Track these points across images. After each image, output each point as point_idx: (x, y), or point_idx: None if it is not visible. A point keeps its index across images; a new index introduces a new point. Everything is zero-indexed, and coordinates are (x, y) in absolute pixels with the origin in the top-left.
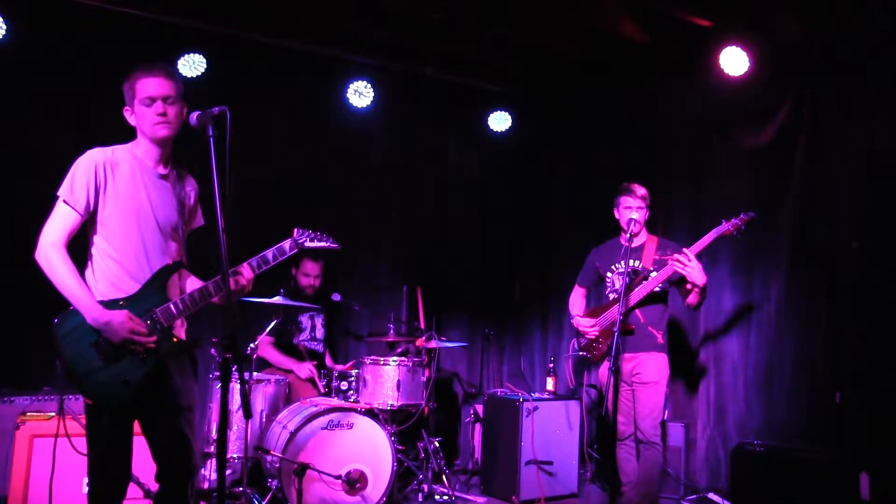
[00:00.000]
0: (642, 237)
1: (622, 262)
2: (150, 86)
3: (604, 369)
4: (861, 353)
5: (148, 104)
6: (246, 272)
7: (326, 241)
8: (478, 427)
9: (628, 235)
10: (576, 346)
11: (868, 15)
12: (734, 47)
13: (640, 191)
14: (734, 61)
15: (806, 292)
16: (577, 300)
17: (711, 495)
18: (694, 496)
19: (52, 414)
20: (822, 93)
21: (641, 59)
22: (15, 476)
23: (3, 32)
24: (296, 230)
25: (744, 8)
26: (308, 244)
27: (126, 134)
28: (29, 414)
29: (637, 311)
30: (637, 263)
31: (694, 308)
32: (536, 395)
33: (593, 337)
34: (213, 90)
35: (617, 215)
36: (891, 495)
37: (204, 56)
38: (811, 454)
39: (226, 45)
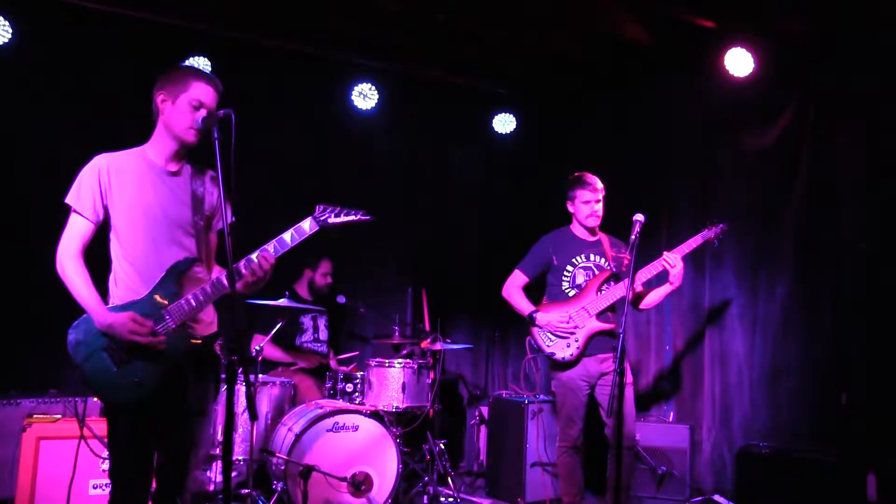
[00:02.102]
0: (596, 233)
1: (583, 256)
2: (206, 92)
3: (571, 374)
4: (867, 354)
5: (196, 107)
6: (262, 260)
7: (355, 215)
8: (483, 429)
9: (589, 229)
10: (533, 345)
11: (872, 14)
12: (738, 48)
13: (598, 183)
14: (738, 62)
15: (811, 293)
16: (520, 293)
17: (717, 497)
18: (699, 498)
19: (59, 416)
20: (826, 93)
21: (645, 60)
22: (21, 478)
23: (9, 37)
24: (318, 207)
25: (747, 9)
26: (332, 220)
27: (130, 136)
28: (35, 416)
29: (609, 311)
30: (602, 260)
31: (644, 309)
32: (542, 396)
33: (567, 334)
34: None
35: (571, 208)
36: None
37: (208, 59)
38: (817, 455)
39: (230, 49)
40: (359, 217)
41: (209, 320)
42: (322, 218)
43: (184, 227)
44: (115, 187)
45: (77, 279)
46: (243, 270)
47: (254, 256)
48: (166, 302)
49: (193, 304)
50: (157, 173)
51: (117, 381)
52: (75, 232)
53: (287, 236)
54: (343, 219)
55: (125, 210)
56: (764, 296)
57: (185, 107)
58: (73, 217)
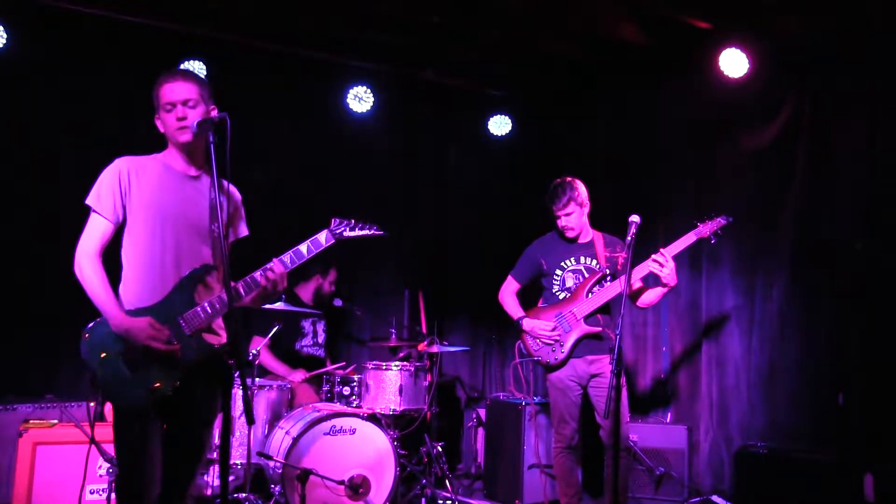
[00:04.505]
0: (588, 234)
1: (573, 259)
2: (170, 91)
3: (560, 375)
4: (864, 354)
5: (169, 110)
6: (276, 268)
7: (370, 229)
8: (480, 431)
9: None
10: (523, 349)
11: (868, 14)
12: (734, 49)
13: (564, 197)
14: (734, 63)
15: (808, 293)
16: (513, 298)
17: (715, 497)
18: (697, 499)
19: (55, 421)
20: (822, 93)
21: (641, 61)
22: (18, 484)
23: (4, 41)
24: (333, 220)
25: (743, 9)
26: (347, 234)
27: (128, 139)
28: (31, 421)
29: (598, 314)
30: (594, 262)
31: (641, 307)
32: (539, 398)
33: (552, 340)
34: (214, 96)
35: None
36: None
37: (204, 62)
38: (814, 456)
39: (226, 52)
40: (373, 232)
41: (221, 329)
42: (338, 231)
43: (201, 233)
44: (134, 188)
45: (95, 280)
46: (260, 280)
47: (270, 266)
48: (182, 309)
49: (210, 311)
50: (178, 177)
51: (131, 387)
52: (94, 233)
53: (303, 248)
54: (358, 233)
55: (143, 211)
56: (761, 296)
57: (164, 115)
58: (92, 218)
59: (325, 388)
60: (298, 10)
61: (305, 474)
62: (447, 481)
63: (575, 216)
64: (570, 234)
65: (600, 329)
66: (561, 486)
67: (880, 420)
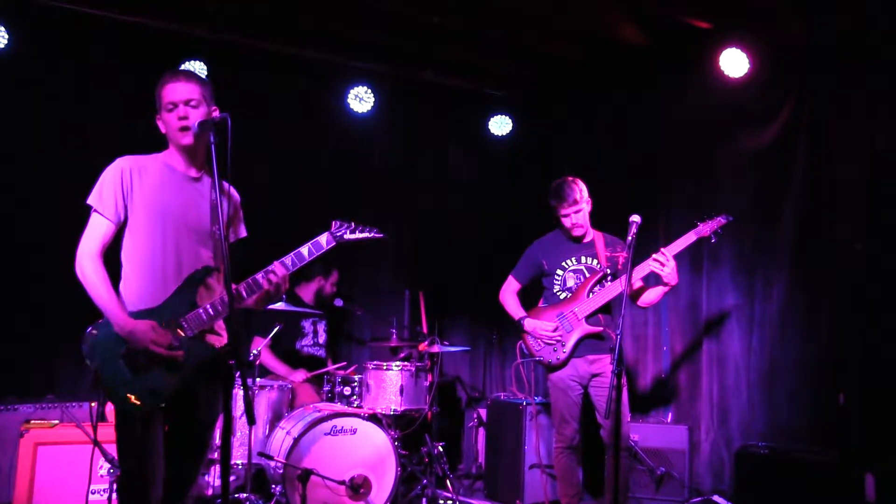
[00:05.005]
0: (589, 233)
1: (574, 259)
2: (172, 91)
3: (561, 375)
4: (864, 354)
5: (170, 110)
6: (279, 270)
7: (369, 232)
8: (481, 431)
9: (576, 236)
10: (524, 350)
11: (868, 14)
12: (734, 48)
13: (575, 194)
14: (734, 62)
15: (808, 293)
16: (514, 298)
17: (715, 497)
18: (698, 499)
19: (56, 422)
20: (822, 93)
21: (641, 61)
22: (19, 484)
23: (5, 42)
24: (334, 223)
25: (743, 9)
26: (348, 237)
27: (124, 141)
28: (32, 422)
29: (599, 313)
30: (594, 262)
31: (641, 306)
32: (540, 398)
33: (553, 341)
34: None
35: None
36: None
37: (205, 63)
38: (815, 456)
39: (226, 52)
40: (372, 234)
41: (222, 330)
42: (339, 234)
43: (201, 235)
44: (136, 188)
45: (97, 281)
46: (262, 282)
47: (272, 269)
48: (184, 311)
49: (212, 313)
50: (179, 178)
51: (133, 389)
52: (96, 233)
53: (304, 250)
54: (358, 235)
55: (145, 211)
56: (761, 296)
57: (165, 115)
58: (93, 217)
59: (326, 388)
60: (298, 10)
61: (306, 474)
62: (448, 481)
63: (582, 214)
64: (577, 233)
65: (602, 329)
66: (562, 486)
67: (880, 420)
